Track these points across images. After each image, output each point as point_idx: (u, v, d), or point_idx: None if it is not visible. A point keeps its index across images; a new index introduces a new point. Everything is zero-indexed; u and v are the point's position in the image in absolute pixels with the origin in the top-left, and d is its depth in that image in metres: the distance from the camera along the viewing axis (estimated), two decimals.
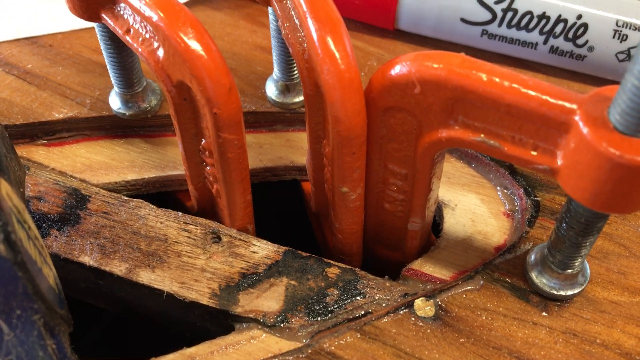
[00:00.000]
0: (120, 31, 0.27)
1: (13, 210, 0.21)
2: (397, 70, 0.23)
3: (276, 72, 0.34)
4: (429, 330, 0.27)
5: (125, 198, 0.32)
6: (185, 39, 0.24)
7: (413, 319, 0.28)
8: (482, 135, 0.23)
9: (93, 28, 0.38)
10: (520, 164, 0.23)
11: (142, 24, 0.26)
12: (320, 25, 0.24)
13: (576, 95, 0.21)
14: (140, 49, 0.27)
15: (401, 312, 0.28)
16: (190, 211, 0.33)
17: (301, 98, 0.35)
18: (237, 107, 0.26)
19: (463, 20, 0.36)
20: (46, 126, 0.34)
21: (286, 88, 0.34)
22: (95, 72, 0.36)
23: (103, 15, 0.28)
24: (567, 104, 0.21)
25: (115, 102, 0.34)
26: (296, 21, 0.26)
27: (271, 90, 0.35)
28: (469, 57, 0.23)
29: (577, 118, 0.21)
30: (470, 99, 0.22)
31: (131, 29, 0.27)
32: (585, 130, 0.21)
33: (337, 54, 0.24)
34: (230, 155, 0.27)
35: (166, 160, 0.34)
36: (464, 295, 0.28)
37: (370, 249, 0.33)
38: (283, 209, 0.42)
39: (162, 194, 0.35)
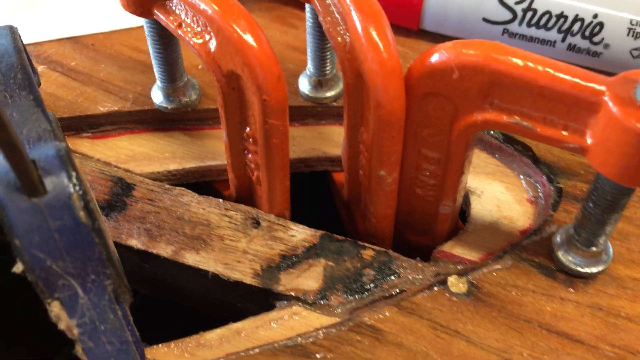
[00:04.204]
0: (172, 26, 0.29)
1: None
2: (436, 57, 0.25)
3: (309, 68, 0.36)
4: (462, 305, 0.29)
5: (168, 186, 0.34)
6: (238, 30, 0.26)
7: (447, 294, 0.29)
8: (516, 117, 0.25)
9: (132, 29, 0.40)
10: (551, 144, 0.25)
11: (195, 18, 0.28)
12: (363, 17, 0.26)
13: (604, 77, 0.23)
14: (192, 42, 0.28)
15: (435, 288, 0.30)
16: (228, 200, 0.35)
17: (333, 92, 0.37)
18: (285, 94, 0.28)
19: (485, 20, 0.38)
20: (91, 119, 0.36)
21: (319, 83, 0.36)
22: (136, 69, 0.38)
23: (155, 10, 0.30)
24: (597, 86, 0.23)
25: (157, 96, 0.36)
26: (337, 15, 0.28)
27: (304, 85, 0.37)
28: (504, 45, 0.24)
29: (606, 98, 0.23)
30: (505, 82, 0.24)
31: (183, 23, 0.29)
32: (614, 109, 0.22)
33: (380, 43, 0.26)
34: (275, 141, 0.29)
35: (205, 152, 0.36)
36: (494, 274, 0.30)
37: (399, 235, 0.35)
38: (307, 202, 0.44)
39: (201, 184, 0.37)
